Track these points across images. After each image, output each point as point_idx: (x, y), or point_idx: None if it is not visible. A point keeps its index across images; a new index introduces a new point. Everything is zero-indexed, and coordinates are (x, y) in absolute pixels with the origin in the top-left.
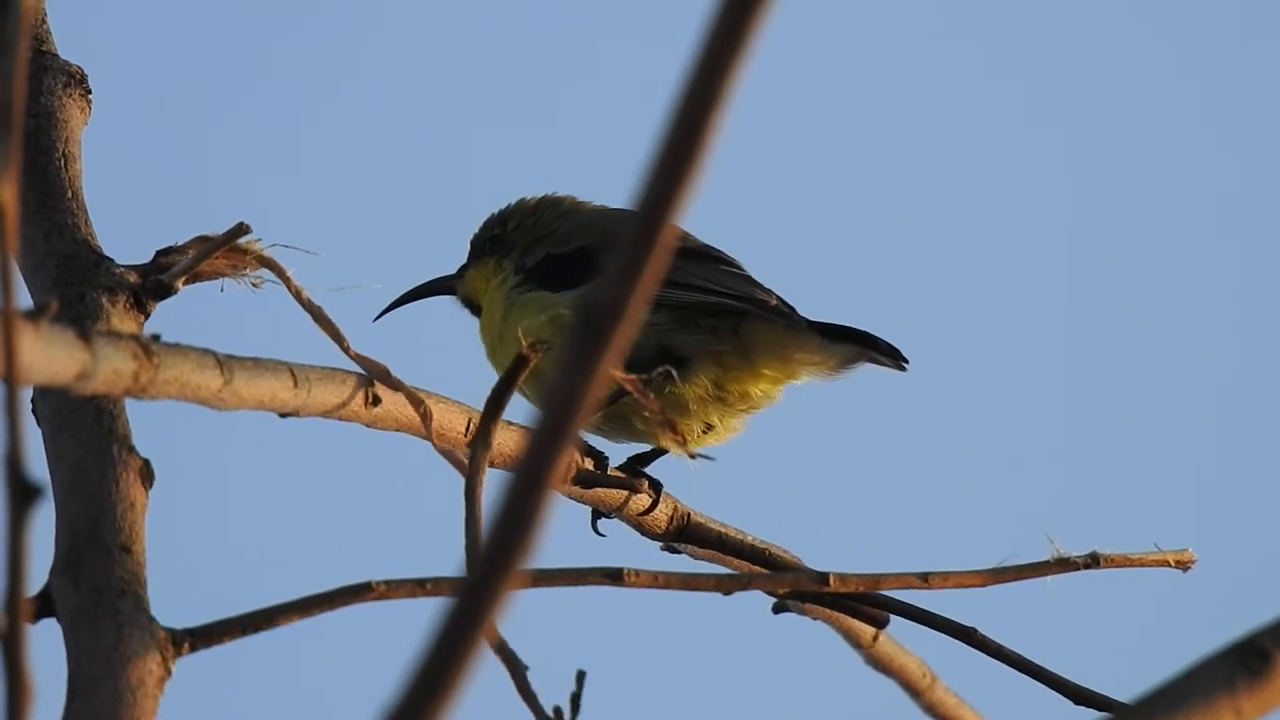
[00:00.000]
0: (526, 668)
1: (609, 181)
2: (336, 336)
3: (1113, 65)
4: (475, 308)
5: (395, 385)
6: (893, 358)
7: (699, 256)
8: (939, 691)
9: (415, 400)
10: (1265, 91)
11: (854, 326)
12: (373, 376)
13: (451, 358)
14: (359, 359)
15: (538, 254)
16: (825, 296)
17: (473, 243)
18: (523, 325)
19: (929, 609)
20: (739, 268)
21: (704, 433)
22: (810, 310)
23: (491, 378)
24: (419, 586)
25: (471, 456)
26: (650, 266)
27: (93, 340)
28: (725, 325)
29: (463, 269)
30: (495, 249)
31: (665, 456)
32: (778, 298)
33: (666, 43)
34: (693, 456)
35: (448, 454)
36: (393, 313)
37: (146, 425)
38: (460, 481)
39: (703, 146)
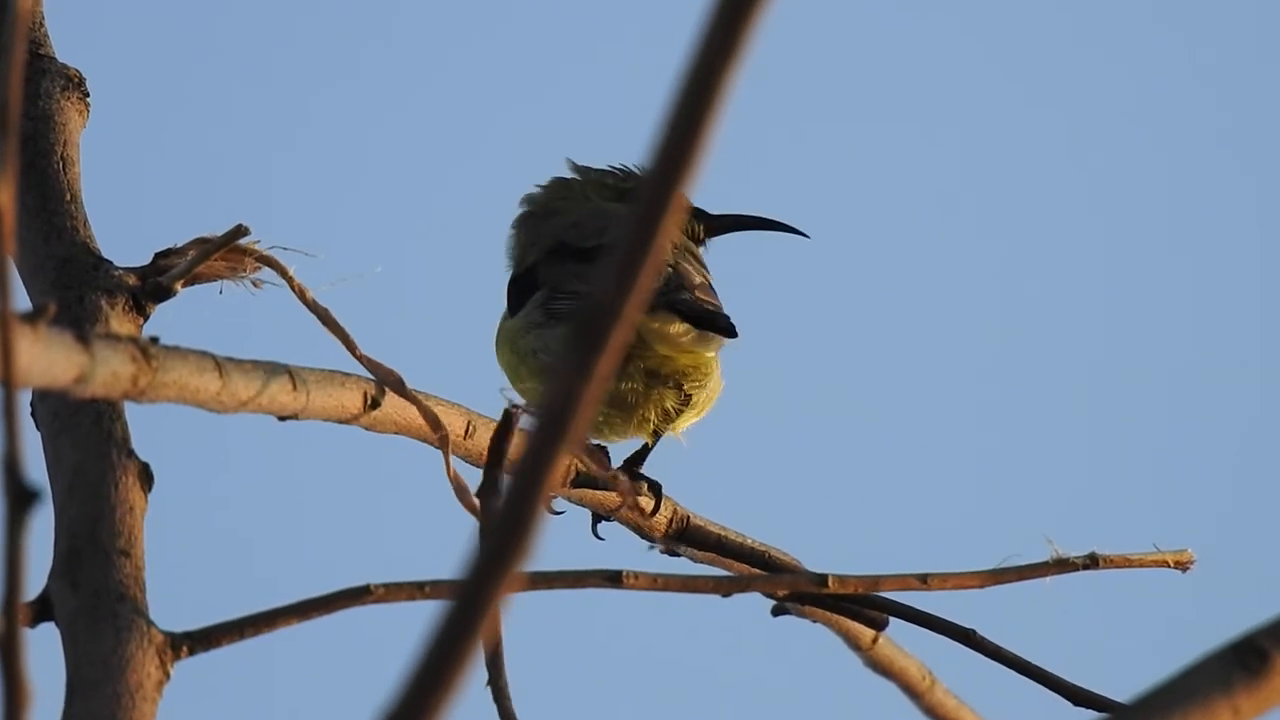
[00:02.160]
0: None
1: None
2: (345, 340)
3: (1126, 62)
4: None
5: (408, 397)
6: (720, 331)
7: (587, 256)
8: (939, 693)
9: (431, 418)
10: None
11: (687, 302)
12: (384, 383)
13: (452, 355)
14: (369, 364)
15: (508, 279)
16: (824, 295)
17: None
18: (502, 356)
19: (928, 610)
20: None
21: (669, 418)
22: (809, 311)
23: (484, 346)
24: (418, 590)
25: (482, 507)
26: (648, 267)
27: (91, 343)
28: None
29: None
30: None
31: (662, 457)
32: (670, 277)
33: (663, 44)
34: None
35: (462, 495)
36: (391, 310)
37: (145, 429)
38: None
39: (699, 147)
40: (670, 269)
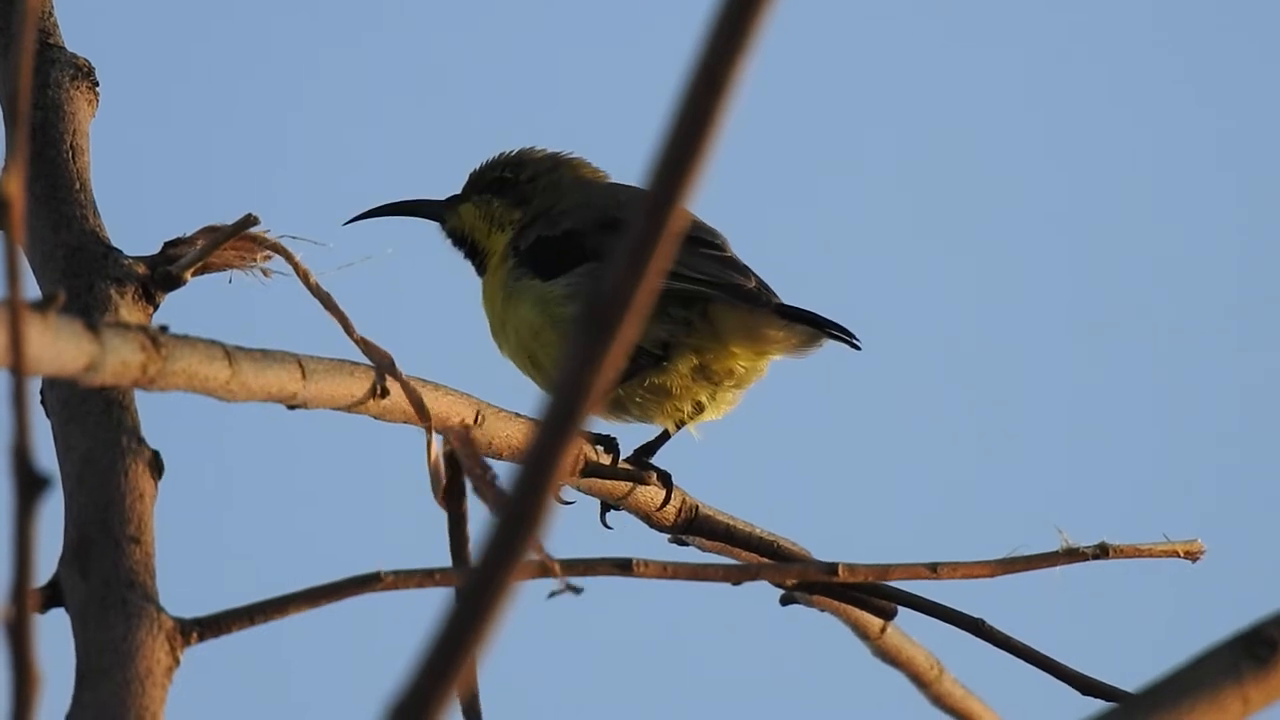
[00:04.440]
0: None
1: (617, 168)
2: (343, 321)
3: (1112, 61)
4: (467, 244)
5: (399, 378)
6: (845, 338)
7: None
8: (946, 683)
9: (417, 402)
10: (1271, 88)
11: (809, 310)
12: (377, 365)
13: (461, 342)
14: (364, 346)
15: (530, 236)
16: (833, 290)
17: (473, 177)
18: (519, 315)
19: (937, 600)
20: (718, 247)
21: (697, 412)
22: (817, 303)
23: (493, 358)
24: (427, 577)
25: (450, 507)
26: (658, 255)
27: (101, 332)
28: (694, 311)
29: (456, 200)
30: (502, 192)
31: (671, 446)
32: (756, 279)
33: (675, 29)
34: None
35: (435, 485)
36: (401, 300)
37: (155, 417)
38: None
39: (710, 134)
40: (749, 269)
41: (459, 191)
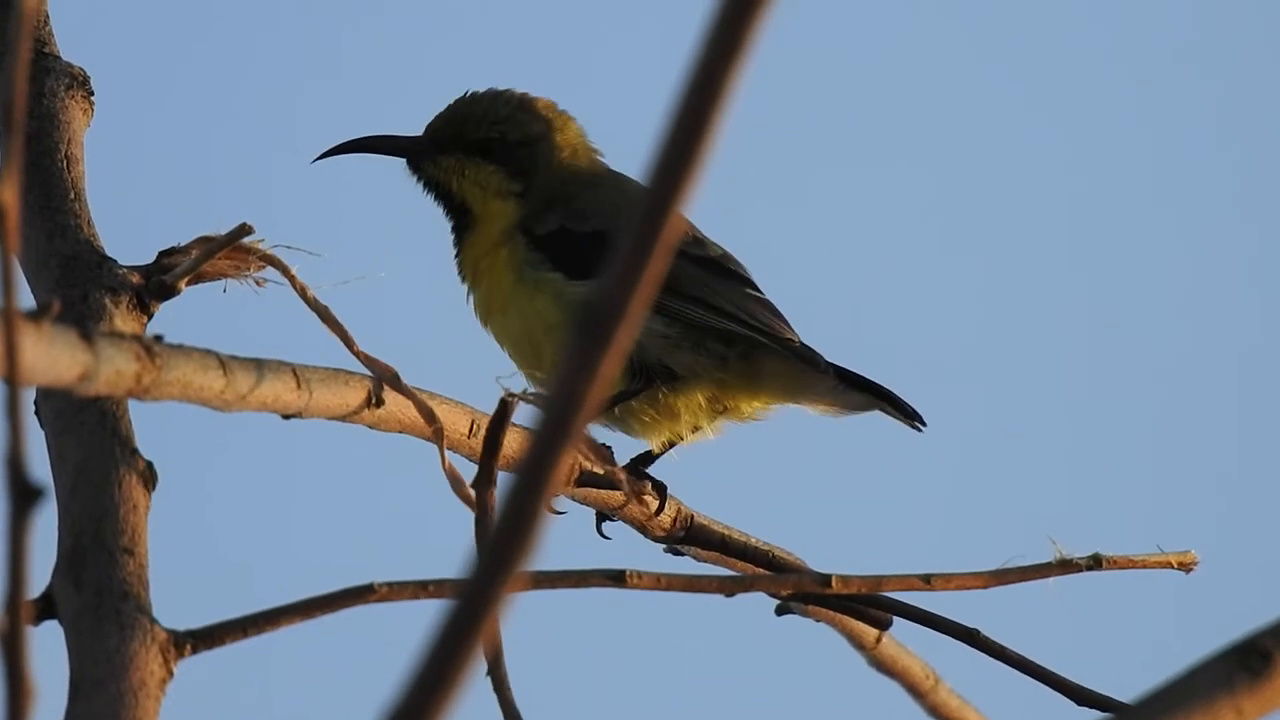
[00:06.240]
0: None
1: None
2: (344, 337)
3: (1115, 63)
4: (452, 201)
5: (404, 391)
6: (909, 417)
7: (726, 274)
8: (942, 693)
9: (426, 411)
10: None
11: (875, 380)
12: (381, 379)
13: (453, 349)
14: (366, 360)
15: (551, 222)
16: (825, 295)
17: (451, 126)
18: (534, 305)
19: (932, 610)
20: (759, 290)
21: (694, 432)
22: (810, 311)
23: (488, 344)
24: (421, 589)
25: (477, 498)
26: (653, 266)
27: (95, 341)
28: (735, 352)
29: (432, 146)
30: (492, 156)
31: (667, 455)
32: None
33: (671, 35)
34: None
35: (457, 487)
36: (396, 310)
37: (149, 427)
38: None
39: (706, 143)
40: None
41: (430, 133)
